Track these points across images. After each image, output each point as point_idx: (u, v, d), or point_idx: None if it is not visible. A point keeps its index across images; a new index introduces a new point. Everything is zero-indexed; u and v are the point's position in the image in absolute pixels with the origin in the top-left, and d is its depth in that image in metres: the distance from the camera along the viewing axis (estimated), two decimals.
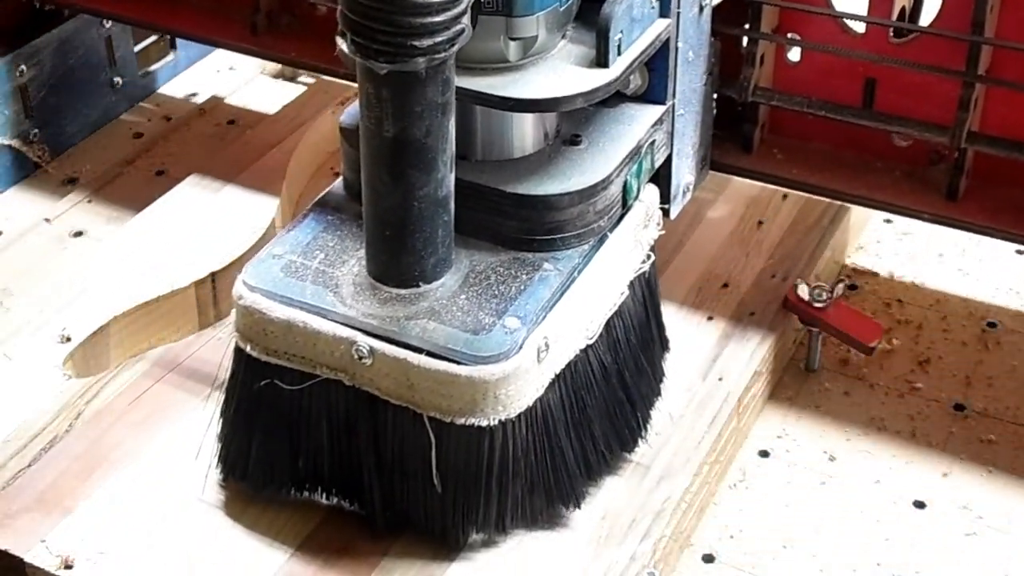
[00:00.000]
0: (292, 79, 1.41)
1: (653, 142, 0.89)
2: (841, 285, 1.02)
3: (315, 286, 0.82)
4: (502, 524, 0.84)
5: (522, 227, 0.83)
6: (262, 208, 1.13)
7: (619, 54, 0.83)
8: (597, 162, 0.85)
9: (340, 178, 0.90)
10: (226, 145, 1.28)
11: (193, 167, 1.26)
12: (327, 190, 0.90)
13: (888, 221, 1.21)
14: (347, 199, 0.88)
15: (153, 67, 1.40)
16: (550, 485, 0.84)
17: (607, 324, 0.86)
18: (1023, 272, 1.15)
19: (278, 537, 0.86)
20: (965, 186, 0.99)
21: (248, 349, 0.83)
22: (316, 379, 0.81)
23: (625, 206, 0.87)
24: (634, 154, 0.87)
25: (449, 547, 0.85)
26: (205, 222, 1.12)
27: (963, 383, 1.04)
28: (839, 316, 1.01)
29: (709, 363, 0.99)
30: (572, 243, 0.84)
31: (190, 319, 1.06)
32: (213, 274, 1.06)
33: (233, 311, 0.84)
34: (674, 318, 1.02)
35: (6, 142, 1.24)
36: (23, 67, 1.24)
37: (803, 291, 1.02)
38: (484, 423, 0.78)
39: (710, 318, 1.03)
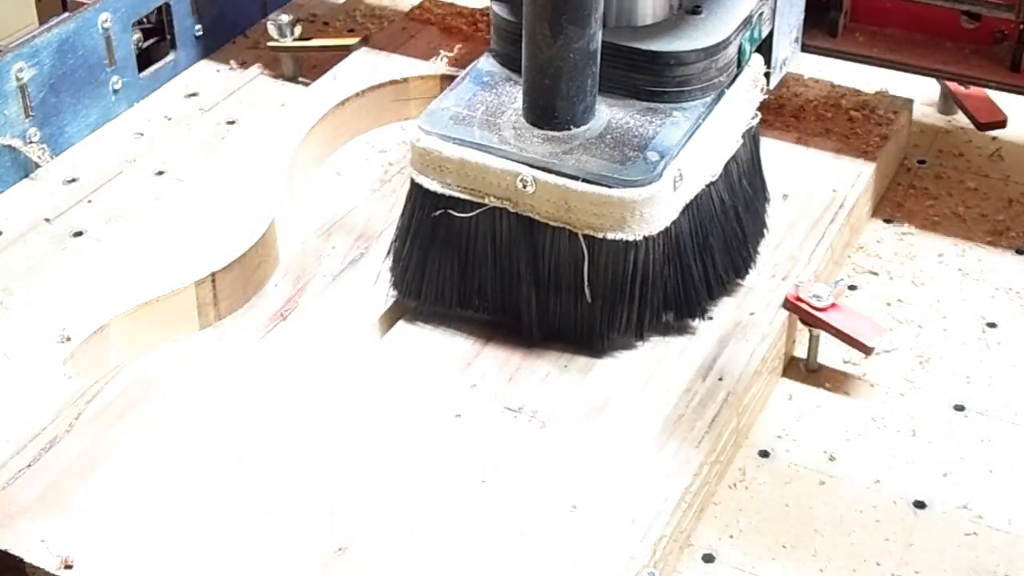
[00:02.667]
0: (292, 79, 1.41)
1: (761, 14, 1.05)
2: (841, 285, 1.02)
3: (481, 130, 0.98)
4: (641, 330, 0.99)
5: (655, 81, 0.98)
6: (262, 208, 1.13)
7: None
8: (717, 27, 1.00)
9: (489, 50, 1.06)
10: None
11: (193, 167, 1.26)
12: (477, 61, 1.05)
13: (888, 221, 1.21)
14: (496, 66, 1.04)
15: (153, 67, 1.40)
16: (680, 299, 1.00)
17: (725, 167, 1.02)
18: (1023, 272, 1.15)
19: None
20: None
21: (425, 184, 0.98)
22: (484, 207, 0.97)
23: (739, 67, 1.02)
24: (747, 22, 1.02)
25: (594, 351, 0.99)
26: (205, 222, 1.12)
27: (963, 383, 1.04)
28: (839, 316, 1.01)
29: (709, 363, 0.99)
30: (697, 95, 0.99)
31: (190, 319, 1.06)
32: (213, 274, 1.06)
33: (410, 152, 1.00)
34: None
35: (6, 142, 1.24)
36: (23, 67, 1.24)
37: (803, 291, 1.02)
38: (630, 238, 0.94)
39: (710, 318, 1.03)
